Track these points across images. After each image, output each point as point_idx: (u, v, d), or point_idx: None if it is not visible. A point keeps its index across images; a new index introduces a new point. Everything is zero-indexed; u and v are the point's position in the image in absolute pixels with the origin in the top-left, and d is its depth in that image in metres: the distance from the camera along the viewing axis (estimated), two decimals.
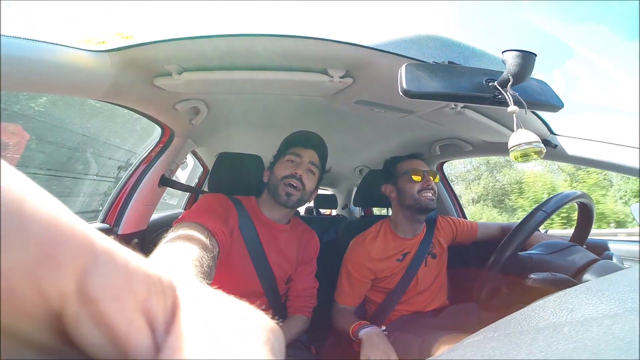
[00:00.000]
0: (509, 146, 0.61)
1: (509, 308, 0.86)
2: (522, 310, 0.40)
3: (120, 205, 1.27)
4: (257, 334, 0.16)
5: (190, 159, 2.05)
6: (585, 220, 1.12)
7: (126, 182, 1.31)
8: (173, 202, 2.66)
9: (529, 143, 0.58)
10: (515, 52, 0.58)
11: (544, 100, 0.70)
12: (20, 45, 0.62)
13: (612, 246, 1.18)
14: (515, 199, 13.87)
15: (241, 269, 1.00)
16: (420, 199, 1.18)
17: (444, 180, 1.88)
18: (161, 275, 0.16)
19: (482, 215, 14.16)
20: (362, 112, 1.12)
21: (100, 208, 1.36)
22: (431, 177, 1.21)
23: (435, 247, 1.31)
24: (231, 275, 0.97)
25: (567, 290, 0.41)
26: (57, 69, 0.68)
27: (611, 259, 0.97)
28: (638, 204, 0.95)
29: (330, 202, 3.31)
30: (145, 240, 1.38)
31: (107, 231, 1.21)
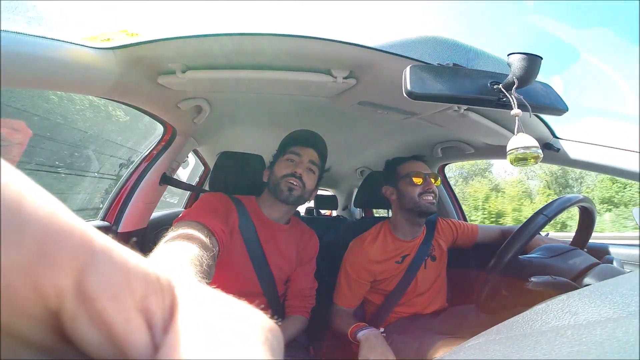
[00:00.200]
0: (507, 149, 0.61)
1: (508, 311, 0.86)
2: (524, 313, 0.40)
3: (120, 203, 1.27)
4: (255, 334, 0.16)
5: (191, 158, 2.05)
6: (586, 224, 1.12)
7: (127, 180, 1.31)
8: (173, 201, 2.66)
9: (527, 147, 0.59)
10: (520, 55, 0.58)
11: (548, 104, 0.70)
12: (24, 42, 0.62)
13: (613, 250, 1.18)
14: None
15: (240, 269, 1.00)
16: (420, 202, 1.17)
17: (445, 182, 1.88)
18: (159, 274, 0.16)
19: None
20: (365, 113, 1.12)
21: (101, 205, 1.36)
22: (432, 180, 1.20)
23: (435, 249, 1.30)
24: (230, 275, 0.97)
25: (570, 293, 0.41)
26: (61, 66, 0.68)
27: (612, 262, 0.97)
28: (639, 208, 0.95)
29: (330, 202, 3.32)
30: (145, 238, 1.38)
31: (107, 229, 1.21)
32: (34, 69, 0.65)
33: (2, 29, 0.58)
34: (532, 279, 0.87)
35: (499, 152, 1.37)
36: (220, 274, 0.72)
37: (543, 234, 1.33)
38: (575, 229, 1.16)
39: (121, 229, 1.25)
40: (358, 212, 3.02)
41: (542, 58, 0.57)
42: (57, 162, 1.56)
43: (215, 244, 0.74)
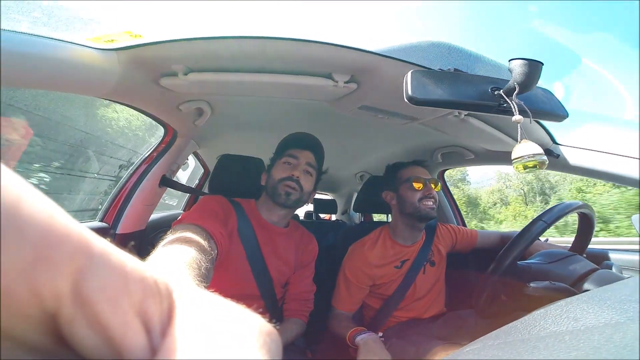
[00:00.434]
0: (512, 157, 0.61)
1: (507, 316, 0.86)
2: (523, 318, 0.40)
3: (119, 205, 1.27)
4: (253, 337, 0.16)
5: (191, 160, 2.05)
6: (585, 229, 1.13)
7: (127, 182, 1.31)
8: (172, 203, 2.66)
9: (533, 155, 0.59)
10: (521, 61, 0.58)
11: (548, 110, 0.70)
12: (26, 42, 0.62)
13: (612, 256, 1.18)
14: None
15: (239, 272, 0.99)
16: (420, 207, 1.17)
17: (445, 187, 1.89)
18: (157, 277, 0.16)
19: None
20: (365, 118, 1.12)
21: (100, 207, 1.35)
22: (432, 186, 1.20)
23: (434, 254, 1.30)
24: (228, 278, 0.97)
25: (569, 299, 0.41)
26: (63, 66, 0.68)
27: (611, 268, 0.97)
28: (638, 215, 0.95)
29: (330, 207, 3.31)
30: (143, 240, 1.38)
31: (105, 230, 1.21)
32: (35, 69, 0.65)
33: (4, 28, 0.58)
34: (531, 284, 0.87)
35: (499, 157, 1.38)
36: (218, 277, 0.72)
37: (542, 239, 1.33)
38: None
39: (119, 230, 1.25)
40: (357, 217, 3.02)
41: (543, 64, 0.58)
42: (57, 162, 1.56)
43: (213, 247, 0.73)
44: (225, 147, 1.70)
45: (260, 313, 0.19)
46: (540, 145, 1.08)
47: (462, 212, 1.95)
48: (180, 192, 2.20)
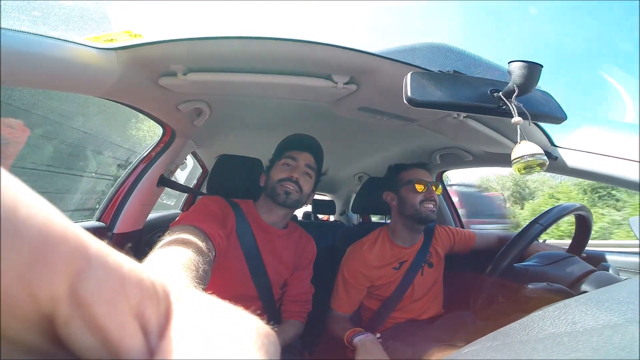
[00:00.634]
0: (512, 158, 0.61)
1: (504, 317, 0.86)
2: (521, 320, 0.40)
3: (117, 204, 1.27)
4: (251, 339, 0.16)
5: (189, 160, 2.04)
6: (582, 231, 1.13)
7: (124, 181, 1.30)
8: (170, 203, 2.65)
9: (532, 155, 0.59)
10: (521, 63, 0.58)
11: (547, 112, 0.70)
12: (25, 40, 0.62)
13: (609, 257, 1.19)
14: None
15: (237, 273, 0.99)
16: (421, 209, 1.18)
17: (444, 190, 1.89)
18: (155, 279, 0.16)
19: None
20: (365, 119, 1.13)
21: (97, 206, 1.35)
22: (434, 188, 1.21)
23: (433, 256, 1.31)
24: (226, 279, 0.97)
25: (567, 300, 0.41)
26: (61, 65, 0.68)
27: (608, 270, 0.97)
28: (637, 217, 0.95)
29: (328, 207, 3.32)
30: (140, 240, 1.37)
31: (102, 230, 1.21)
32: (34, 68, 0.65)
33: (4, 27, 0.58)
34: (529, 285, 0.87)
35: (497, 159, 1.38)
36: (216, 278, 0.72)
37: (540, 240, 1.34)
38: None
39: (117, 230, 1.24)
40: (355, 218, 3.02)
41: (542, 66, 0.58)
42: (54, 162, 1.56)
43: (212, 249, 0.73)
44: (223, 147, 1.70)
45: (258, 314, 0.19)
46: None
47: None
48: (177, 192, 2.20)
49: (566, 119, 0.72)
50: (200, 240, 0.68)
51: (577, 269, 0.95)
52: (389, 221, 1.40)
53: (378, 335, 1.08)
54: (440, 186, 1.25)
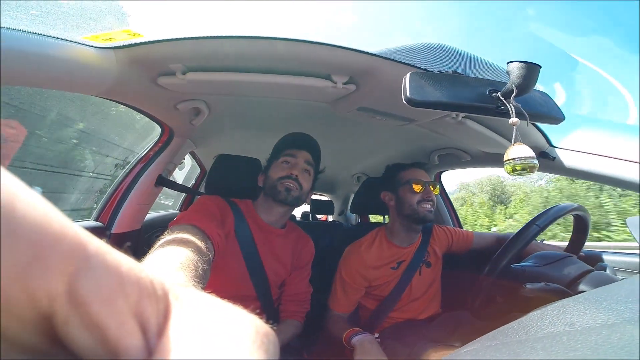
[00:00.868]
0: (504, 159, 0.61)
1: (502, 317, 0.86)
2: (519, 319, 0.40)
3: (115, 204, 1.26)
4: (250, 338, 0.16)
5: (188, 160, 2.04)
6: (580, 231, 1.14)
7: (122, 181, 1.30)
8: (168, 203, 2.64)
9: (524, 158, 0.59)
10: (519, 64, 0.58)
11: (545, 112, 0.71)
12: (23, 39, 0.62)
13: (606, 257, 1.19)
14: None
15: (235, 273, 0.99)
16: (419, 209, 1.18)
17: (442, 190, 1.89)
18: (153, 278, 0.16)
19: None
20: (363, 119, 1.13)
21: (95, 206, 1.34)
22: (432, 188, 1.21)
23: (430, 255, 1.31)
24: (225, 279, 0.97)
25: (565, 300, 0.41)
26: (60, 64, 0.67)
27: (605, 270, 0.98)
28: (635, 218, 0.95)
29: (327, 207, 3.32)
30: (138, 240, 1.37)
31: (100, 229, 1.20)
32: (32, 67, 0.65)
33: (2, 26, 0.58)
34: (527, 285, 0.88)
35: (495, 160, 1.39)
36: (215, 278, 0.72)
37: (538, 240, 1.34)
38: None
39: (115, 229, 1.24)
40: (354, 218, 3.02)
41: (540, 67, 0.58)
42: (52, 161, 1.55)
43: (210, 248, 0.73)
44: (222, 147, 1.70)
45: (256, 314, 0.19)
46: (536, 147, 1.09)
47: None
48: (176, 192, 2.19)
49: (564, 119, 0.72)
50: (199, 240, 0.68)
51: (574, 269, 0.95)
52: (387, 221, 1.40)
53: (376, 335, 1.09)
54: (438, 186, 1.26)
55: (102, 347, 0.13)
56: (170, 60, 0.81)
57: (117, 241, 1.24)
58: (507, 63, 0.60)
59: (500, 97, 0.62)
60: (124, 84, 0.84)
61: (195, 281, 0.50)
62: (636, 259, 1.12)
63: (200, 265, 0.57)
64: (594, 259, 1.18)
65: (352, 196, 1.94)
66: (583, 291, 0.82)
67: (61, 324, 0.12)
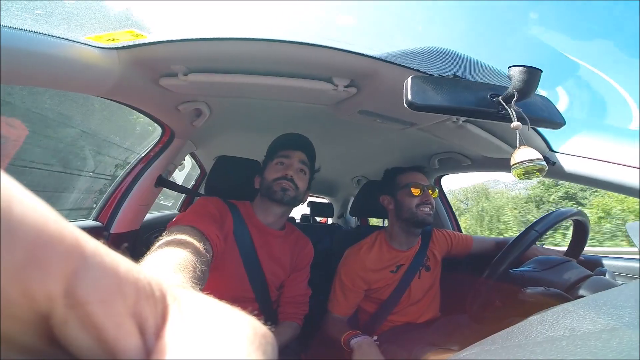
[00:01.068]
0: (511, 163, 0.61)
1: (501, 321, 0.86)
2: (519, 324, 0.40)
3: (114, 204, 1.26)
4: (249, 339, 0.16)
5: (188, 161, 2.04)
6: (579, 236, 1.14)
7: (122, 181, 1.30)
8: (168, 204, 2.64)
9: (532, 161, 0.59)
10: (520, 68, 0.58)
11: (546, 117, 0.71)
12: (26, 39, 0.62)
13: (606, 262, 1.19)
14: None
15: (233, 274, 0.99)
16: (417, 213, 1.18)
17: (441, 194, 1.89)
18: (151, 279, 0.16)
19: None
20: (364, 122, 1.13)
21: (94, 205, 1.34)
22: (430, 192, 1.21)
23: (430, 259, 1.31)
24: (223, 280, 0.97)
25: (565, 305, 0.41)
26: (63, 64, 0.67)
27: (604, 275, 0.97)
28: (635, 223, 0.95)
29: (326, 210, 3.32)
30: (137, 240, 1.37)
31: (99, 229, 1.20)
32: (35, 67, 0.65)
33: (5, 25, 0.58)
34: (526, 290, 0.88)
35: (496, 164, 1.39)
36: (213, 279, 0.72)
37: (538, 244, 1.34)
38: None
39: (113, 229, 1.24)
40: (353, 221, 3.02)
41: (542, 71, 0.58)
42: (52, 160, 1.55)
43: (209, 250, 0.73)
44: (222, 148, 1.70)
45: (254, 315, 0.19)
46: None
47: None
48: (175, 193, 2.19)
49: (565, 124, 0.73)
50: (198, 241, 0.68)
51: (573, 274, 0.95)
52: (386, 224, 1.40)
53: (375, 338, 1.08)
54: (437, 190, 1.26)
55: (99, 347, 0.13)
56: (173, 61, 0.82)
57: (116, 241, 1.23)
58: (509, 67, 0.60)
59: (502, 102, 0.62)
60: (126, 84, 0.84)
61: (193, 282, 0.50)
62: (635, 264, 1.12)
63: (198, 266, 0.57)
64: (593, 264, 1.18)
65: (352, 199, 1.94)
66: (582, 296, 0.82)
67: (59, 324, 0.12)
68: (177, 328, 0.15)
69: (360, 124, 1.17)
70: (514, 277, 1.00)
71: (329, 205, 3.38)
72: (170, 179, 1.52)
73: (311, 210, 3.34)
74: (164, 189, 1.46)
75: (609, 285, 0.86)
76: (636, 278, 1.10)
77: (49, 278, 0.12)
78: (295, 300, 1.13)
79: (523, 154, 0.59)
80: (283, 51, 0.77)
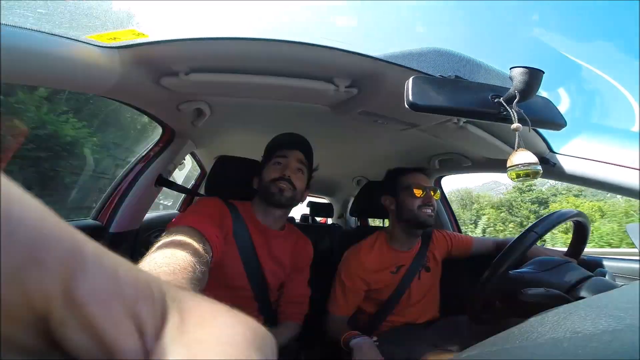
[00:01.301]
0: (507, 165, 0.61)
1: (501, 323, 0.86)
2: (520, 325, 0.40)
3: (114, 203, 1.26)
4: (248, 340, 0.16)
5: (188, 160, 2.04)
6: (580, 237, 1.14)
7: (122, 180, 1.29)
8: (167, 203, 2.64)
9: (528, 164, 0.59)
10: (522, 69, 0.58)
11: (547, 118, 0.71)
12: (27, 37, 0.62)
13: (606, 263, 1.19)
14: None
15: (233, 275, 0.99)
16: (419, 214, 1.18)
17: (442, 195, 1.89)
18: (150, 280, 0.16)
19: None
20: (364, 123, 1.13)
21: (94, 204, 1.34)
22: (432, 193, 1.21)
23: (430, 260, 1.31)
24: (223, 281, 0.97)
25: (566, 306, 0.41)
26: (64, 63, 0.67)
27: (604, 276, 0.97)
28: (634, 224, 0.95)
29: (326, 210, 3.32)
30: (137, 240, 1.37)
31: (98, 229, 1.20)
32: (36, 65, 0.65)
33: (6, 23, 0.58)
34: (527, 291, 0.88)
35: (496, 165, 1.39)
36: (213, 279, 0.72)
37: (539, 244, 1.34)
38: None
39: (113, 229, 1.24)
40: (353, 221, 3.02)
41: (543, 72, 0.58)
42: (51, 160, 1.55)
43: (209, 250, 0.73)
44: (223, 148, 1.70)
45: (254, 316, 0.19)
46: (537, 153, 1.09)
47: None
48: (175, 192, 2.19)
49: (566, 125, 0.72)
50: (197, 242, 0.68)
51: (574, 275, 0.95)
52: (387, 225, 1.40)
53: (374, 338, 1.08)
54: (438, 191, 1.25)
55: (98, 348, 0.13)
56: (174, 60, 0.82)
57: (115, 241, 1.23)
58: (510, 68, 0.60)
59: (503, 103, 0.62)
60: (127, 83, 0.84)
61: (193, 283, 0.50)
62: (635, 265, 1.12)
63: (197, 267, 0.57)
64: (594, 265, 1.18)
65: (352, 199, 1.94)
66: (583, 297, 0.82)
67: (57, 325, 0.12)
68: (176, 329, 0.15)
69: (361, 125, 1.17)
70: (514, 278, 1.00)
71: (329, 205, 3.38)
72: (171, 179, 1.52)
73: (311, 211, 3.34)
74: (164, 188, 1.46)
75: (610, 287, 0.86)
76: (636, 279, 1.10)
77: (47, 279, 0.12)
78: (295, 301, 1.13)
79: (520, 156, 0.59)
80: (284, 51, 0.77)
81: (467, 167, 1.52)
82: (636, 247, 0.82)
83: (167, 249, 0.60)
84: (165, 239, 0.66)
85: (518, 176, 0.60)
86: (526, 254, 1.03)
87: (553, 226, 1.01)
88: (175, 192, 2.16)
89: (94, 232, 1.15)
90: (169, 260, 0.55)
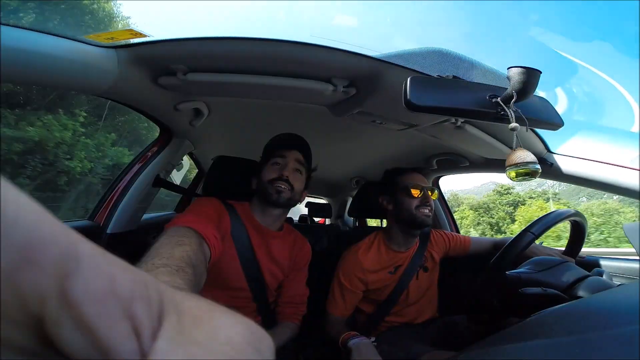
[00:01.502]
0: (506, 165, 0.61)
1: (499, 322, 0.86)
2: (518, 324, 0.40)
3: (112, 204, 1.26)
4: (246, 341, 0.16)
5: (185, 161, 2.03)
6: (577, 237, 1.14)
7: (120, 181, 1.29)
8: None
9: (526, 163, 0.59)
10: (519, 69, 0.58)
11: (545, 118, 0.71)
12: (25, 37, 0.61)
13: (603, 263, 1.20)
14: None
15: (231, 275, 0.99)
16: (416, 214, 1.18)
17: (439, 195, 1.90)
18: (147, 281, 0.16)
19: None
20: (363, 123, 1.13)
21: (92, 205, 1.34)
22: (430, 193, 1.21)
23: (428, 260, 1.31)
24: (221, 281, 0.96)
25: (564, 305, 0.41)
26: (61, 63, 0.67)
27: (602, 275, 0.98)
28: (635, 224, 0.96)
29: (324, 211, 3.32)
30: (135, 240, 1.36)
31: (96, 229, 1.20)
32: (34, 65, 0.65)
33: (4, 23, 0.58)
34: (524, 290, 0.88)
35: (494, 165, 1.39)
36: (211, 280, 0.71)
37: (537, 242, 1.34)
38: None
39: (110, 230, 1.23)
40: (352, 221, 3.03)
41: (541, 72, 0.58)
42: (50, 160, 1.55)
43: (207, 251, 0.73)
44: (221, 148, 1.70)
45: (252, 316, 0.19)
46: (534, 153, 1.09)
47: None
48: (173, 193, 2.18)
49: (563, 125, 0.73)
50: (195, 243, 0.68)
51: (571, 275, 0.95)
52: (384, 225, 1.40)
53: (373, 339, 1.08)
54: (436, 191, 1.26)
55: (93, 349, 0.13)
56: (172, 60, 0.81)
57: (113, 242, 1.23)
58: (508, 68, 0.60)
59: (500, 103, 0.62)
60: (125, 83, 0.84)
61: (190, 284, 0.50)
62: (633, 265, 1.12)
63: (196, 268, 0.56)
64: (591, 265, 1.19)
65: (350, 200, 1.94)
66: (580, 297, 0.82)
67: (52, 325, 0.12)
68: (173, 330, 0.15)
69: (359, 125, 1.17)
70: (512, 278, 1.00)
71: (327, 206, 3.38)
72: (168, 179, 1.52)
73: (309, 211, 3.34)
74: (162, 189, 1.46)
75: (607, 286, 0.86)
76: (633, 279, 1.11)
77: (41, 279, 0.12)
78: (293, 301, 1.13)
79: (518, 156, 0.59)
80: (282, 51, 0.77)
81: (465, 167, 1.52)
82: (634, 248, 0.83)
83: (165, 250, 0.60)
84: (162, 240, 0.65)
85: (517, 175, 0.60)
86: (524, 254, 1.03)
87: (550, 226, 1.01)
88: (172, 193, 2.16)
89: (90, 233, 1.14)
90: (166, 260, 0.54)
